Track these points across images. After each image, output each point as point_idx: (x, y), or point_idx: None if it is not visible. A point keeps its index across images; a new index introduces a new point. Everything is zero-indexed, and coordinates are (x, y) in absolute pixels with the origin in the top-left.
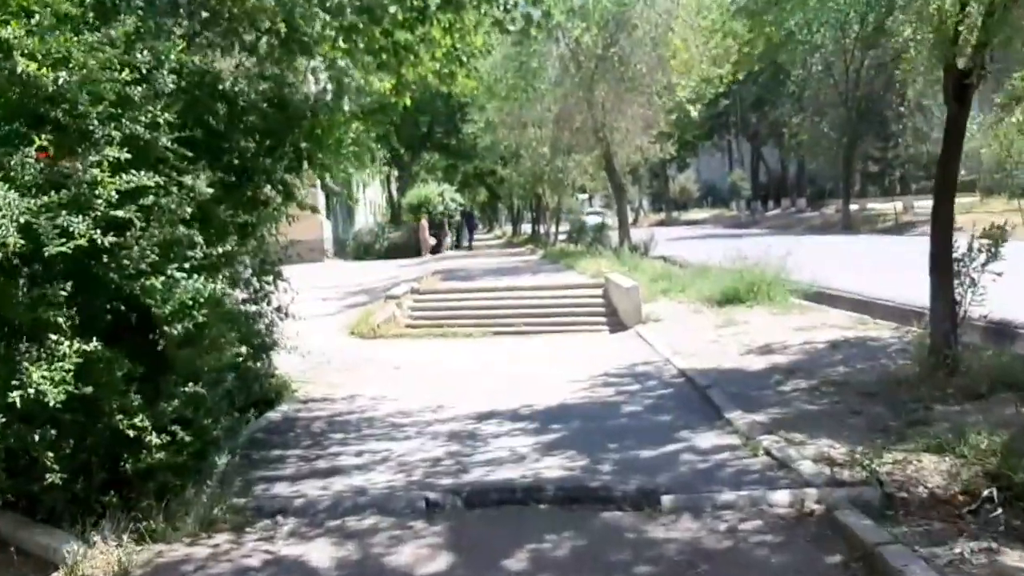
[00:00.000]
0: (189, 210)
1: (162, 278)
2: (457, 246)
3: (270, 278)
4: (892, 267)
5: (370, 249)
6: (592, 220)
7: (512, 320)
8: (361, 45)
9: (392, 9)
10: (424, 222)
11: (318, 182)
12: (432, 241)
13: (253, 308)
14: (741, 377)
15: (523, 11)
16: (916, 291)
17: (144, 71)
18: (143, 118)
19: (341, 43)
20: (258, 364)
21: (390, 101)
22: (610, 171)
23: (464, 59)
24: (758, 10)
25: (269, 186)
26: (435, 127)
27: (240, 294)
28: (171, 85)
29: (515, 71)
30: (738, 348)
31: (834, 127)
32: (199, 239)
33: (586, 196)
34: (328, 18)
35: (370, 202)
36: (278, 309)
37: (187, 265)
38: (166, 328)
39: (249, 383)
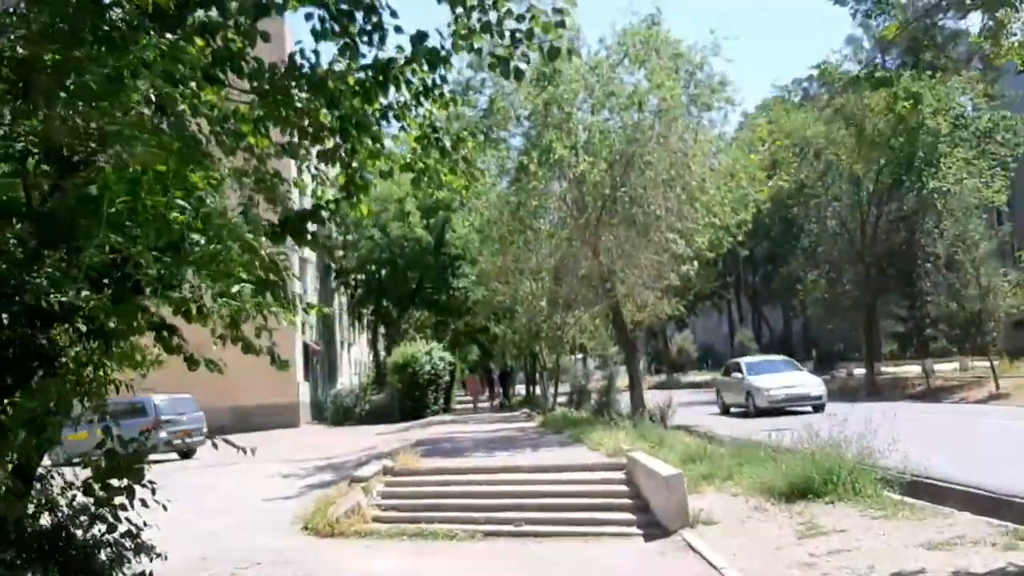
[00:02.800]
0: None
1: None
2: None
3: (120, 483)
4: (978, 445)
5: (350, 413)
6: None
7: (510, 515)
8: (303, 123)
9: (338, 67)
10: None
11: (297, 334)
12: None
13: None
14: None
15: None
16: None
17: None
18: None
19: (270, 126)
20: None
21: (334, 204)
22: (619, 327)
23: (447, 145)
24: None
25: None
26: (424, 282)
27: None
28: None
29: (511, 212)
30: None
31: (856, 284)
32: None
33: (580, 356)
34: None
35: (355, 361)
36: (129, 534)
37: None
38: None
39: None
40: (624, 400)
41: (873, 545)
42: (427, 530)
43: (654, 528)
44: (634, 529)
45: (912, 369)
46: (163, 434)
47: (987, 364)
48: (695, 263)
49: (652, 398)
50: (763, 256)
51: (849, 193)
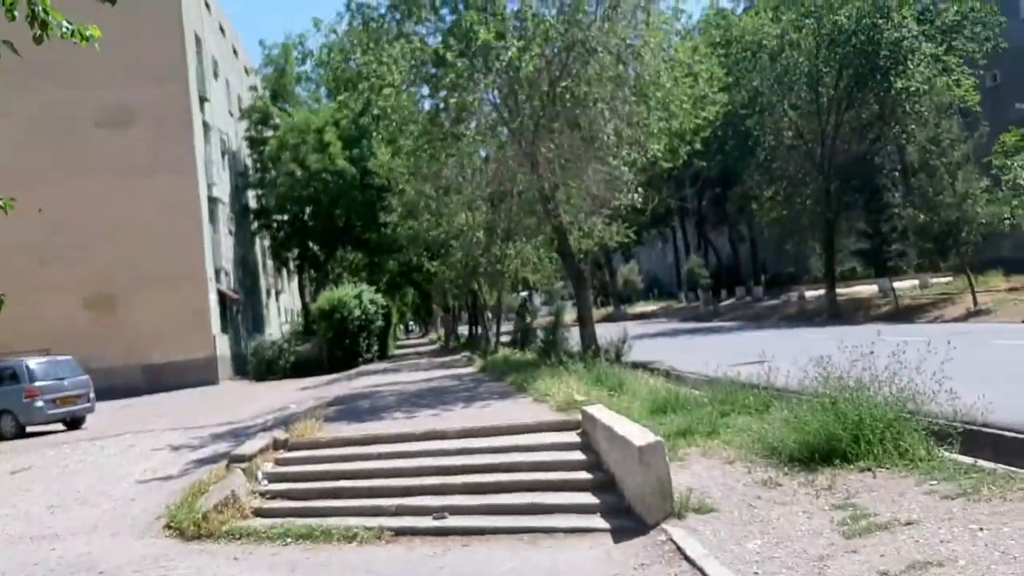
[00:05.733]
0: None
1: None
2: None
3: None
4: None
5: (274, 366)
6: None
7: (430, 501)
8: None
9: None
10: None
11: (209, 281)
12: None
13: None
14: None
15: None
16: None
17: None
18: None
19: None
20: None
21: None
22: (565, 254)
23: None
24: None
25: None
26: (352, 220)
27: None
28: None
29: (430, 117)
30: None
31: (816, 199)
32: None
33: (524, 293)
34: None
35: (285, 310)
36: None
37: None
38: None
39: None
40: (574, 336)
41: (974, 551)
42: (319, 528)
43: (625, 518)
44: (598, 520)
45: (866, 289)
46: (39, 402)
47: (947, 280)
48: (641, 183)
49: (603, 333)
50: (716, 174)
51: (807, 100)
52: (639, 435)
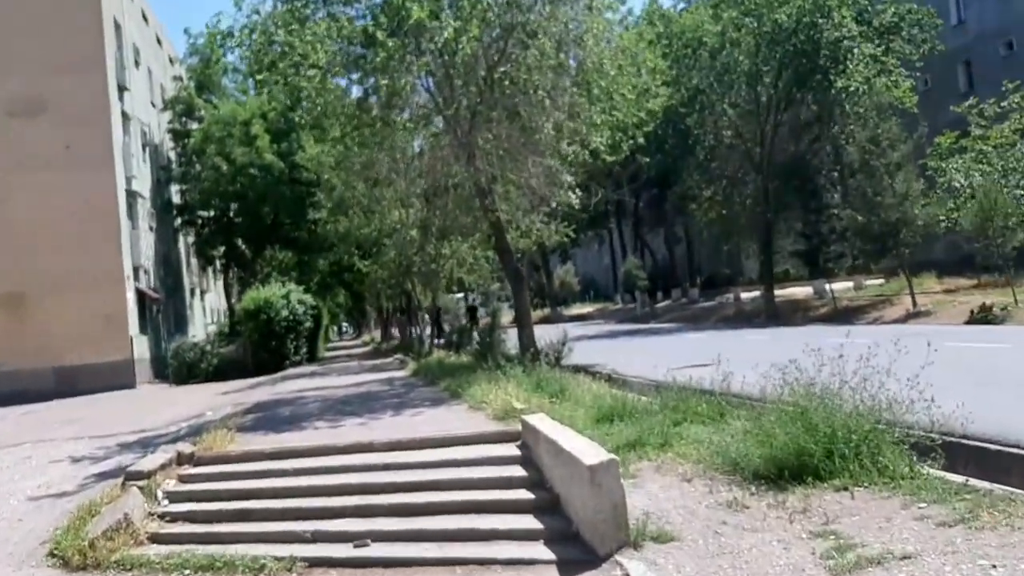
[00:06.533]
0: None
1: None
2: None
3: None
4: (985, 380)
5: (195, 369)
6: None
7: (351, 525)
8: None
9: None
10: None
11: (127, 279)
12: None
13: None
14: None
15: None
16: None
17: None
18: None
19: None
20: None
21: None
22: (502, 250)
23: None
24: None
25: None
26: (281, 217)
27: None
28: None
29: (357, 102)
30: None
31: (755, 200)
32: None
33: (461, 295)
34: None
35: (211, 310)
36: None
37: None
38: None
39: None
40: (511, 339)
41: None
42: (223, 558)
43: (572, 547)
44: (541, 550)
45: (800, 291)
46: None
47: (880, 283)
48: (581, 182)
49: (542, 335)
50: (655, 174)
51: (747, 99)
52: (589, 451)
